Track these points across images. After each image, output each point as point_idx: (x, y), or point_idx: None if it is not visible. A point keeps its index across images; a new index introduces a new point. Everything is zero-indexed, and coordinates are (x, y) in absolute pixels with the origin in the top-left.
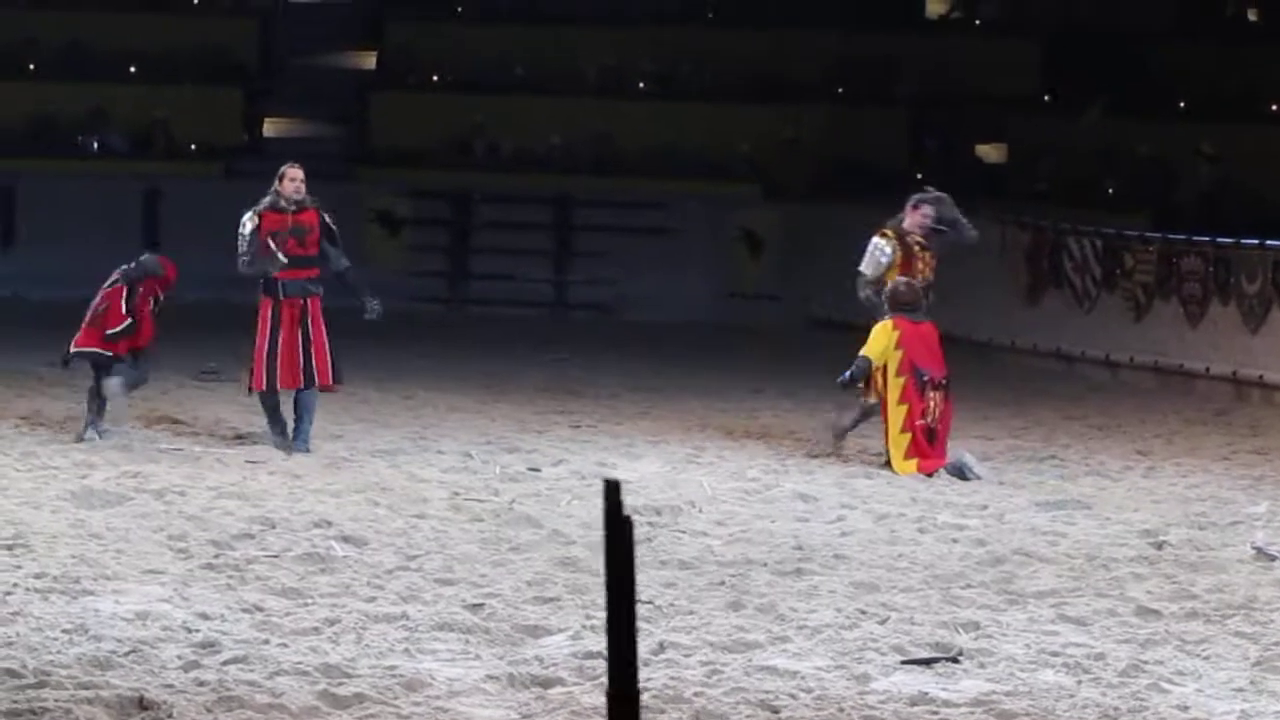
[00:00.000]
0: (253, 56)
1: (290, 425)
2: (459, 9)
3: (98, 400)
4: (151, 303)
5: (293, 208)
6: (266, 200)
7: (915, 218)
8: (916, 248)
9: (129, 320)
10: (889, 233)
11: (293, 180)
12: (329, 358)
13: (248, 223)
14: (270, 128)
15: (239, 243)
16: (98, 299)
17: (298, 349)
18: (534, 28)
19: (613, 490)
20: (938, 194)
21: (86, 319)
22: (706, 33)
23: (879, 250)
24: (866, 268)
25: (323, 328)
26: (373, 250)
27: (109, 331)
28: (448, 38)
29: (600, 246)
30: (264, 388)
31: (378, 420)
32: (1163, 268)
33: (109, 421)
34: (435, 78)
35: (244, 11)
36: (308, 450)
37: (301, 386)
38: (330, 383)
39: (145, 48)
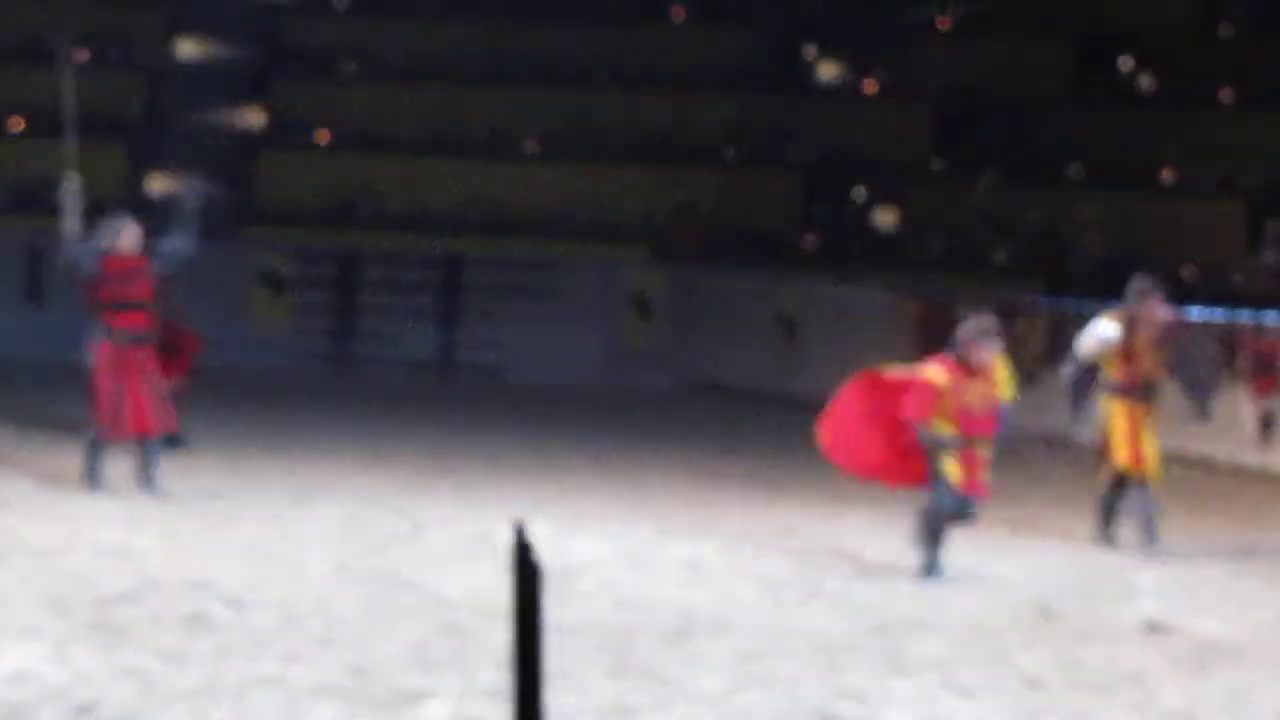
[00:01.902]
0: (138, 114)
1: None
2: (346, 69)
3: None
4: None
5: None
6: (106, 244)
7: (1150, 309)
8: (1142, 339)
9: None
10: (1117, 317)
11: (132, 236)
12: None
13: (93, 249)
14: (155, 184)
15: (75, 246)
16: None
17: (143, 397)
18: (422, 89)
19: (520, 534)
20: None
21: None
22: (597, 95)
23: (1103, 330)
24: (1083, 347)
25: (157, 376)
26: (259, 309)
27: None
28: (335, 98)
29: (488, 308)
30: (115, 435)
31: (260, 481)
32: (1053, 336)
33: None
34: (322, 138)
35: (131, 68)
36: (157, 493)
37: (150, 433)
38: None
39: (29, 102)
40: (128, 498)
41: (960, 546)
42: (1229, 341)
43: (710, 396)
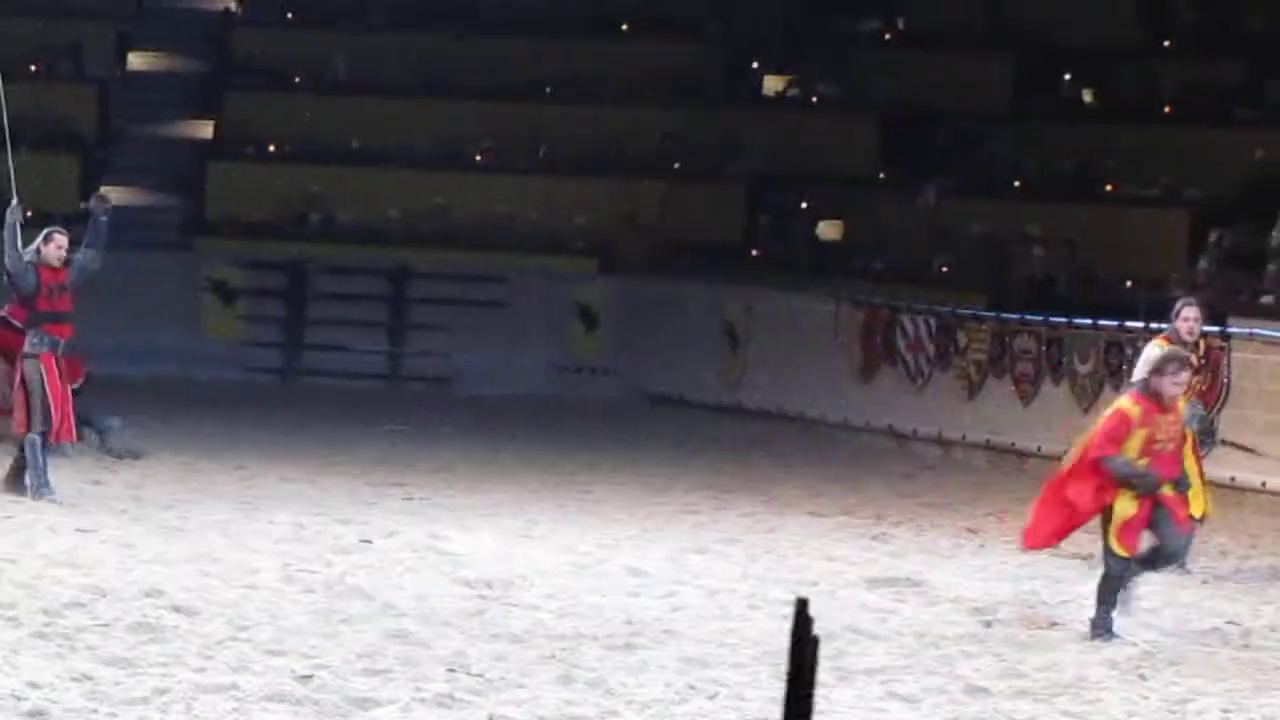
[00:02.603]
0: (91, 125)
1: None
2: (296, 80)
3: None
4: None
5: (57, 265)
6: (37, 254)
7: (1180, 325)
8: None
9: None
10: (1163, 341)
11: (59, 247)
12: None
13: (29, 263)
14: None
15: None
16: None
17: (69, 406)
18: (371, 100)
19: (802, 609)
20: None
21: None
22: (544, 107)
23: (1149, 355)
24: (1138, 375)
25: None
26: (208, 321)
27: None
28: (285, 109)
29: (436, 319)
30: (58, 439)
31: (210, 490)
32: (996, 346)
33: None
34: (272, 149)
35: (83, 80)
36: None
37: (69, 442)
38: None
39: None
40: (78, 507)
41: (904, 555)
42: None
43: (656, 407)
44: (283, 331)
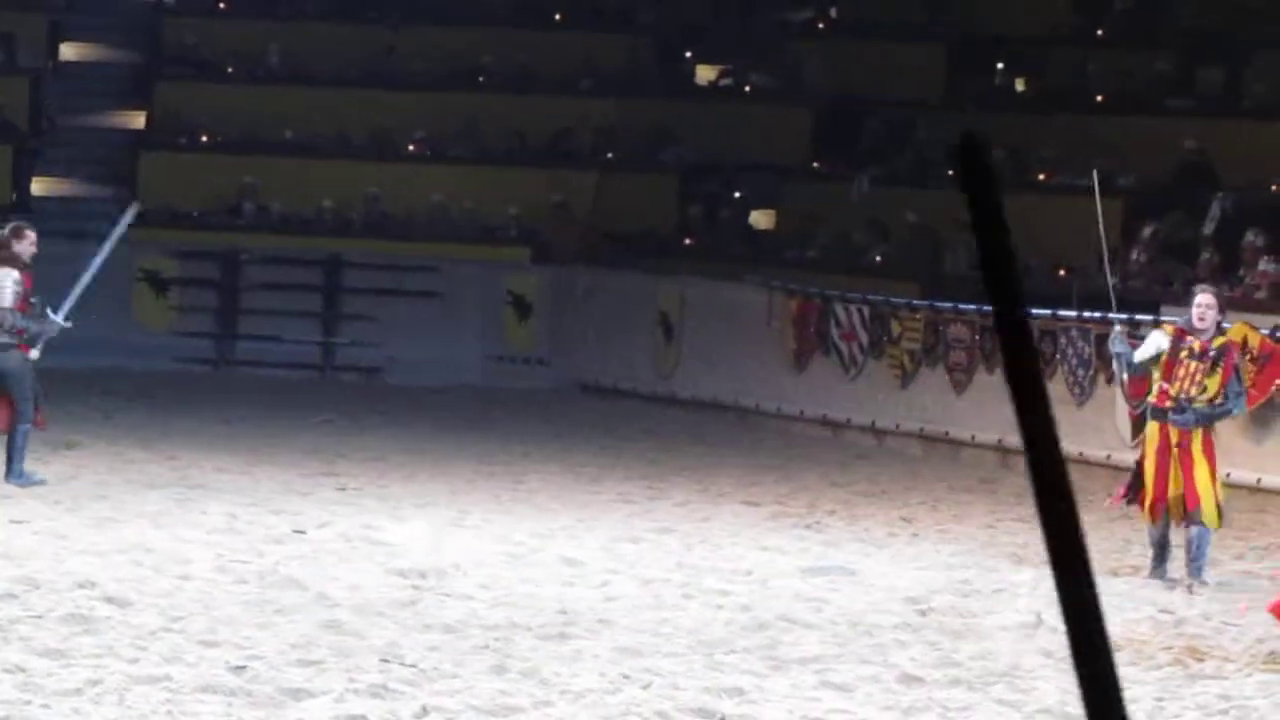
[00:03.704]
0: (22, 115)
1: None
2: (229, 70)
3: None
4: None
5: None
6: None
7: (1192, 311)
8: (1184, 352)
9: None
10: (1168, 327)
11: (33, 243)
12: None
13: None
14: (39, 187)
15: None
16: None
17: None
18: (304, 90)
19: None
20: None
21: None
22: (476, 96)
23: (1152, 340)
24: (1138, 353)
25: None
26: (140, 311)
27: None
28: (217, 99)
29: (369, 309)
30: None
31: (143, 481)
32: (929, 335)
33: None
34: (205, 138)
35: (13, 70)
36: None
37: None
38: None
39: None
40: (11, 498)
41: (838, 544)
42: (1103, 342)
43: (590, 397)
44: (215, 322)
